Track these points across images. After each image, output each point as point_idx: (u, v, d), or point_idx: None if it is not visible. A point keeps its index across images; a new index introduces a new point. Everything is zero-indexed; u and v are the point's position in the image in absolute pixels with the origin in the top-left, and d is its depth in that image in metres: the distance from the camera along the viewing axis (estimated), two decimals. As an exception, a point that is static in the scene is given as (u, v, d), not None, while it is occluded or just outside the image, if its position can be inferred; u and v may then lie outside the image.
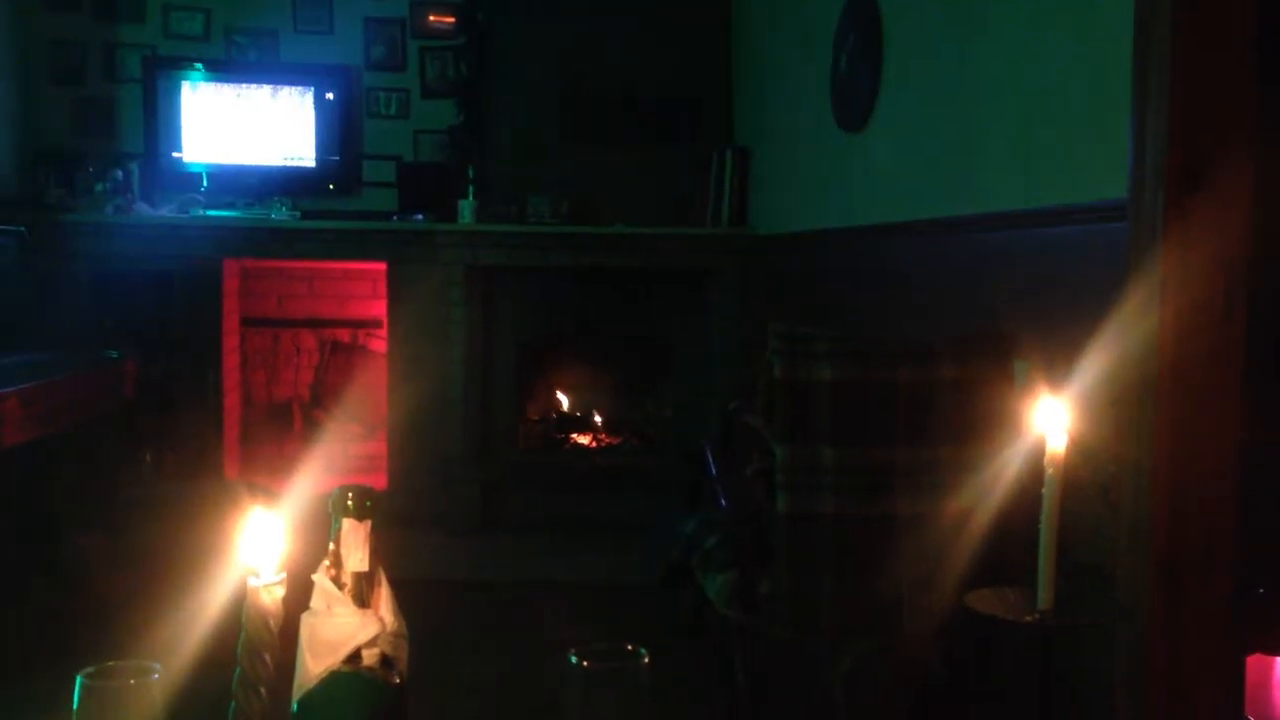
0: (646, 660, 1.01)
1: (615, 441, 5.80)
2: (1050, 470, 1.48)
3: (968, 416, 2.69)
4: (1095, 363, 2.23)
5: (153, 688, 0.94)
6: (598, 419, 5.89)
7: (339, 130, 5.61)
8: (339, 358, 6.06)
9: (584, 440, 5.80)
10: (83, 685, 0.92)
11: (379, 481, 5.26)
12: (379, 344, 5.91)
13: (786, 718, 2.97)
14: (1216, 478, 2.16)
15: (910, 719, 3.06)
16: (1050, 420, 1.49)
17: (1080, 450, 2.34)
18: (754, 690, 3.11)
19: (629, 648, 1.02)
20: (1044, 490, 1.49)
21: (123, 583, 3.61)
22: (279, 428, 6.02)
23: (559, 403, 5.95)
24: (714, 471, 3.71)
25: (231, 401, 5.66)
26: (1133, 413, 2.17)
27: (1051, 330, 2.62)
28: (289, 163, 5.59)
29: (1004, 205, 2.93)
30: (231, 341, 5.67)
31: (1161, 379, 2.11)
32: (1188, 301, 2.10)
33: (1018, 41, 2.89)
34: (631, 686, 0.99)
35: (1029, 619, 1.49)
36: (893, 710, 3.09)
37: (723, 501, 3.58)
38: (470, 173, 5.49)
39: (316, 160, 5.60)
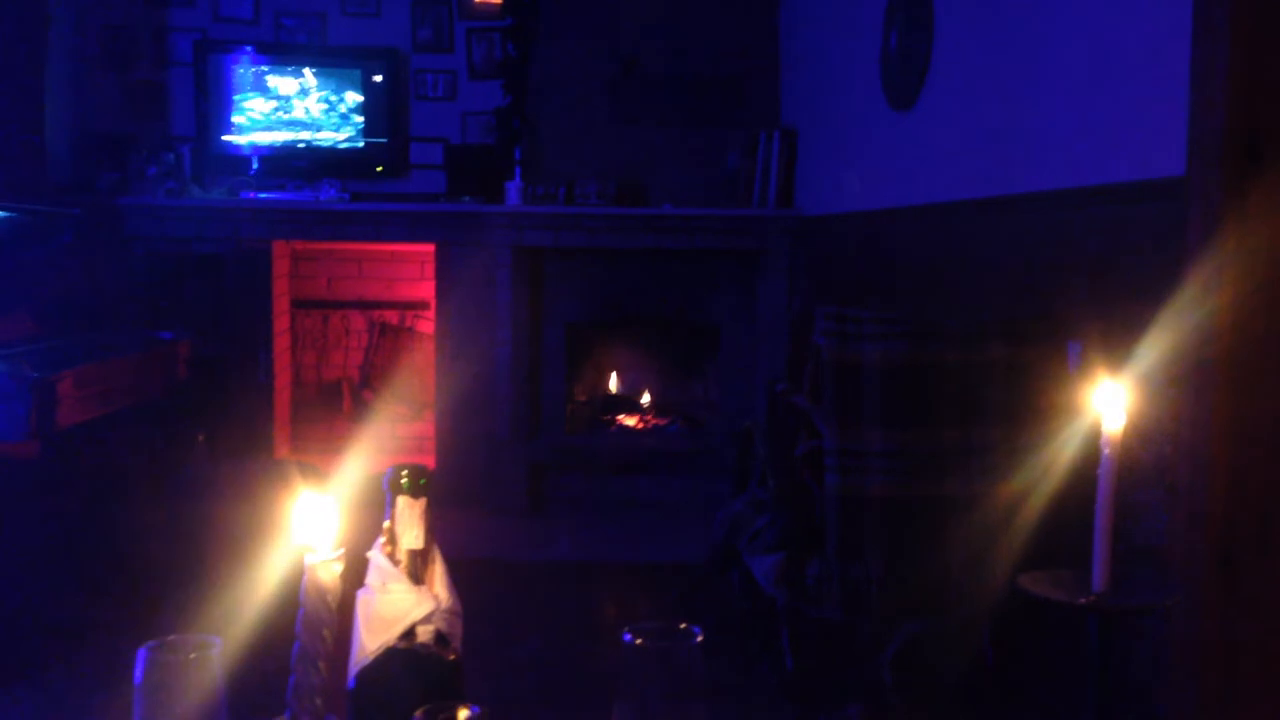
0: (700, 639, 1.01)
1: (662, 423, 5.80)
2: (1107, 451, 1.46)
3: (1019, 398, 2.67)
4: (1153, 344, 2.19)
5: (213, 660, 0.95)
6: (645, 400, 5.89)
7: (386, 112, 5.63)
8: (387, 339, 6.10)
9: (631, 422, 5.81)
10: (146, 658, 0.94)
11: (427, 462, 5.30)
12: (427, 325, 5.94)
13: (835, 699, 2.97)
14: (1275, 461, 2.13)
15: (959, 701, 3.05)
16: (1108, 401, 1.47)
17: (1137, 432, 2.31)
18: (802, 671, 3.11)
19: (682, 626, 1.02)
20: (1100, 471, 1.47)
21: (178, 560, 3.66)
22: (328, 408, 6.07)
23: (606, 384, 5.96)
24: (761, 453, 3.70)
25: (282, 382, 5.71)
26: (1191, 395, 2.14)
27: (1108, 311, 2.58)
28: (337, 145, 5.63)
29: (1057, 183, 2.89)
30: (282, 323, 5.72)
31: (1221, 361, 2.08)
32: (1248, 282, 2.07)
33: (1072, 15, 2.85)
34: (684, 665, 0.99)
35: (1084, 601, 1.47)
36: (941, 692, 3.08)
37: (770, 483, 3.57)
38: (517, 154, 5.50)
39: (364, 142, 5.63)
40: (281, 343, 5.70)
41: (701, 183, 5.60)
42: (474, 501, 5.26)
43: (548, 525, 5.23)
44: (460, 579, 1.14)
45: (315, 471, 4.45)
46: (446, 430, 5.48)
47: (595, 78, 5.60)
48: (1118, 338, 2.43)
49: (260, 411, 5.45)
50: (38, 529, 3.85)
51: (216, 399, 5.21)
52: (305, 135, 5.61)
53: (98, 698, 3.05)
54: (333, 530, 0.98)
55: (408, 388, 5.93)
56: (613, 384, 5.96)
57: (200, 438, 4.96)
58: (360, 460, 5.55)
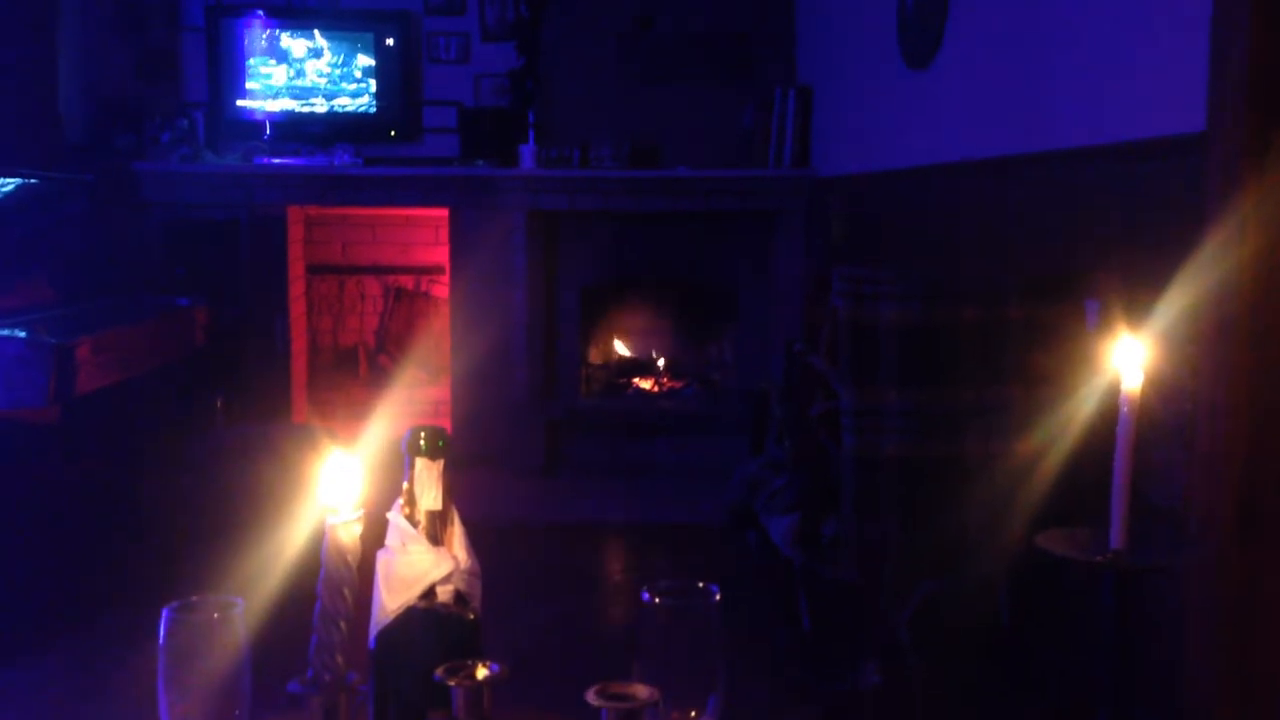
0: (718, 598, 1.01)
1: (678, 385, 5.80)
2: (1126, 409, 1.45)
3: (1037, 357, 2.66)
4: (1173, 301, 2.18)
5: (236, 621, 0.96)
6: (660, 363, 5.89)
7: (399, 76, 5.61)
8: (403, 304, 6.11)
9: (647, 384, 5.81)
10: (169, 618, 0.95)
11: (443, 426, 5.31)
12: (442, 290, 5.95)
13: (851, 658, 2.98)
14: (1295, 418, 2.12)
15: (975, 660, 3.06)
16: (1126, 359, 1.47)
17: (1156, 390, 2.30)
18: (819, 631, 3.13)
19: (701, 585, 1.02)
20: (1118, 429, 1.46)
21: (197, 523, 3.69)
22: (345, 373, 6.09)
23: (622, 347, 5.96)
24: (778, 414, 3.70)
25: (298, 347, 5.73)
26: (1211, 352, 2.13)
27: (1127, 269, 2.56)
28: (350, 109, 5.61)
29: (1076, 141, 2.87)
30: (297, 288, 5.73)
31: (1241, 317, 2.06)
32: (1269, 237, 2.05)
33: (1091, -28, 2.81)
34: (704, 623, 1.00)
35: (1101, 559, 1.47)
36: (958, 651, 3.09)
37: (787, 444, 3.58)
38: (531, 117, 5.47)
39: (377, 106, 5.61)
40: (297, 308, 5.71)
41: (716, 144, 5.57)
42: (491, 465, 5.28)
43: (564, 488, 5.25)
44: (478, 541, 1.15)
45: (330, 435, 4.47)
46: (463, 394, 5.49)
47: (609, 38, 5.56)
48: (1137, 295, 2.41)
49: (277, 377, 5.48)
50: (58, 494, 3.89)
51: (233, 364, 5.23)
52: (318, 100, 5.59)
53: (122, 660, 3.09)
54: (356, 490, 0.99)
55: (423, 352, 5.94)
56: (628, 347, 5.96)
57: (218, 403, 4.99)
58: (377, 425, 5.57)
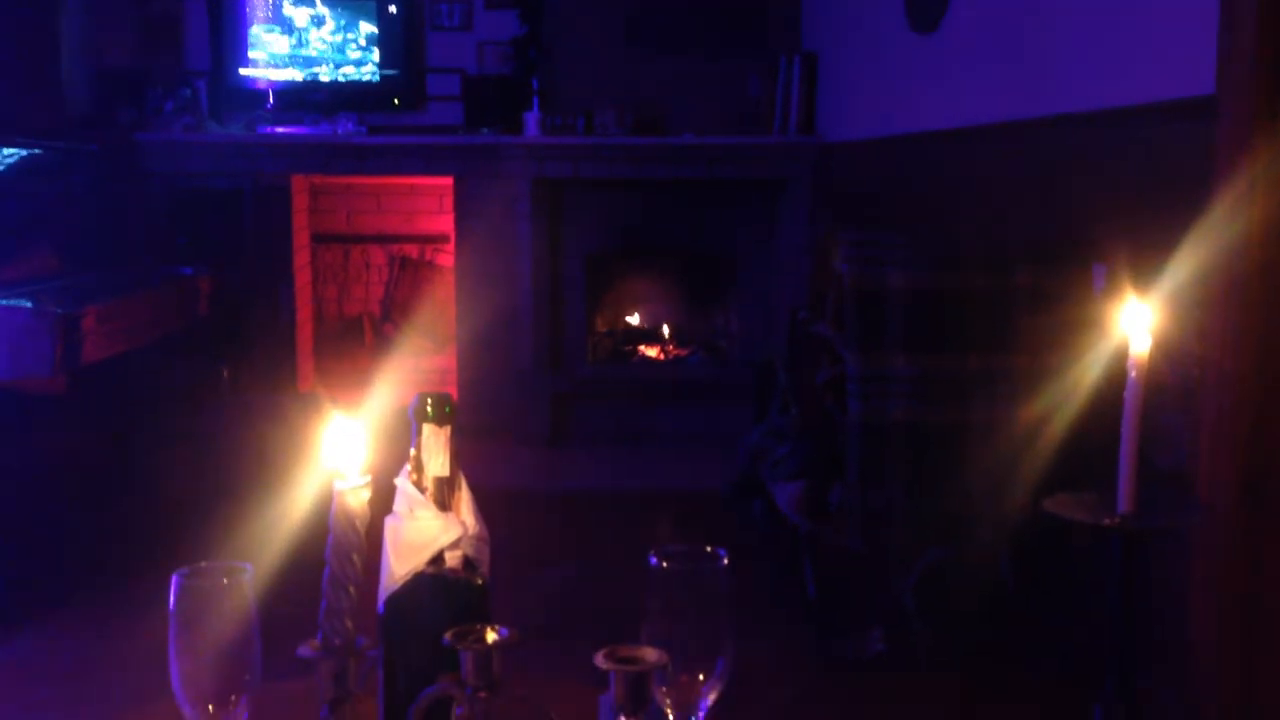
0: (725, 562, 1.02)
1: (683, 353, 5.80)
2: (1133, 373, 1.45)
3: (1043, 323, 2.65)
4: (1180, 265, 2.17)
5: (245, 586, 0.96)
6: (666, 331, 5.89)
7: (402, 44, 5.58)
8: (408, 273, 6.10)
9: (652, 352, 5.81)
10: (178, 584, 0.95)
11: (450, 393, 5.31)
12: (447, 259, 5.94)
13: (856, 624, 2.99)
14: (1303, 382, 2.11)
15: (980, 626, 3.07)
16: (1134, 321, 1.46)
17: (1163, 355, 2.30)
18: (824, 598, 3.14)
19: (708, 549, 1.02)
20: (1125, 393, 1.46)
21: (205, 491, 3.70)
22: (350, 342, 6.09)
23: (627, 315, 5.96)
24: (783, 381, 3.70)
25: (303, 317, 5.73)
26: (1219, 316, 2.12)
27: (1134, 233, 2.55)
28: (354, 78, 5.58)
29: (1083, 105, 2.85)
30: (302, 258, 5.72)
31: (1250, 281, 2.05)
32: (1278, 201, 2.04)
33: (1099, -67, 2.78)
34: (712, 588, 1.00)
35: (1108, 522, 1.47)
36: (962, 617, 3.10)
37: (792, 411, 3.58)
38: (535, 84, 5.44)
39: (380, 75, 5.58)
40: (302, 277, 5.71)
41: (721, 111, 5.54)
42: (497, 433, 5.28)
43: (570, 455, 5.26)
44: (484, 509, 1.15)
45: (335, 402, 4.48)
46: (468, 363, 5.50)
47: (613, 4, 5.52)
48: (1144, 260, 2.40)
49: (282, 346, 5.48)
50: (65, 463, 3.90)
51: (238, 334, 5.23)
52: (321, 68, 5.56)
53: (132, 627, 3.10)
54: (362, 455, 0.99)
55: (429, 321, 5.94)
56: (634, 315, 5.95)
57: (223, 372, 4.99)
58: (383, 393, 5.58)
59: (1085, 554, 2.75)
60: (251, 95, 5.53)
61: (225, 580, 0.96)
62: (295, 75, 5.54)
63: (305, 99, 5.54)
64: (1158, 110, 2.48)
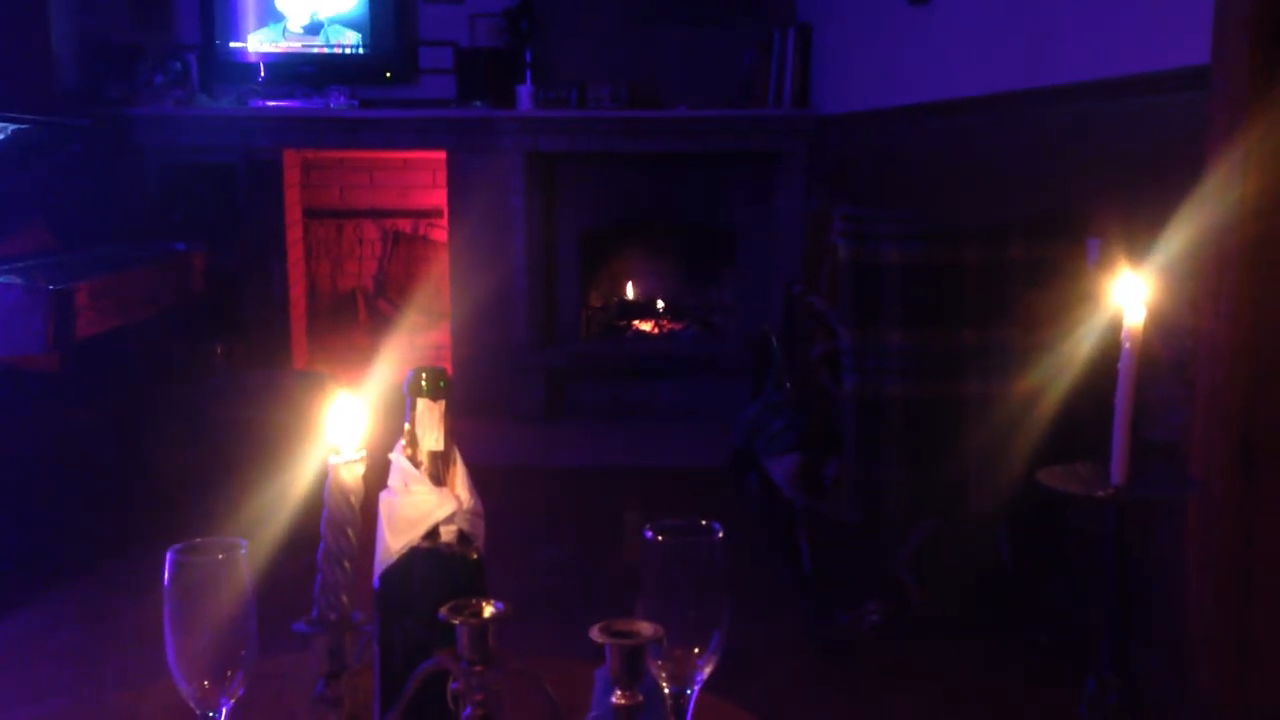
0: (721, 535, 1.02)
1: (679, 328, 5.79)
2: (1128, 345, 1.45)
3: (1038, 297, 2.65)
4: (1174, 237, 2.17)
5: (241, 562, 0.96)
6: (661, 306, 5.88)
7: (393, 16, 5.54)
8: (401, 248, 6.09)
9: (647, 327, 5.80)
10: (173, 561, 0.95)
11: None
12: (440, 234, 5.92)
13: (853, 598, 3.00)
14: (1297, 354, 2.11)
15: (976, 599, 3.08)
16: (1128, 293, 1.46)
17: (1157, 327, 2.30)
18: (820, 571, 3.15)
19: (703, 523, 1.02)
20: (1120, 365, 1.46)
21: (200, 467, 3.70)
22: (344, 318, 6.08)
23: (622, 290, 5.95)
24: (778, 356, 3.70)
25: (297, 292, 5.71)
26: (1212, 287, 2.12)
27: (1129, 205, 2.55)
28: (345, 51, 5.55)
29: (1078, 76, 2.84)
30: (295, 233, 5.70)
31: (1243, 252, 2.05)
32: (1274, 172, 2.03)
33: (1095, -97, 2.77)
34: (707, 561, 1.00)
35: (1103, 494, 1.47)
36: (958, 590, 3.11)
37: (788, 385, 3.58)
38: (528, 57, 5.41)
39: (372, 48, 5.55)
40: (295, 253, 5.69)
41: (716, 83, 5.51)
42: (492, 409, 5.28)
43: (565, 431, 5.26)
44: (480, 485, 1.14)
45: (331, 380, 4.47)
46: (463, 338, 5.49)
47: (606, -24, 5.49)
48: (1139, 232, 2.40)
49: (276, 322, 5.47)
50: (59, 440, 3.90)
51: (232, 310, 5.22)
52: (313, 41, 5.53)
53: (128, 604, 3.11)
54: (359, 431, 0.99)
55: (423, 297, 5.93)
56: (628, 289, 5.94)
57: (217, 349, 4.99)
58: (378, 369, 5.57)
59: (1080, 526, 2.76)
60: (243, 69, 5.49)
61: (220, 556, 0.96)
62: (286, 48, 5.51)
63: (297, 72, 5.51)
64: (1153, 81, 2.47)
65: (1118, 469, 1.48)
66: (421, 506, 1.09)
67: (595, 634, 0.92)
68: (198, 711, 0.97)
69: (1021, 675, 2.76)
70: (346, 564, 0.98)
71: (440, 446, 1.11)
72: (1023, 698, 2.66)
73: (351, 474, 0.98)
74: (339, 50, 5.54)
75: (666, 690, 1.00)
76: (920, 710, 2.64)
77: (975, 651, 2.90)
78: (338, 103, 5.39)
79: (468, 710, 0.92)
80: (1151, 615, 2.44)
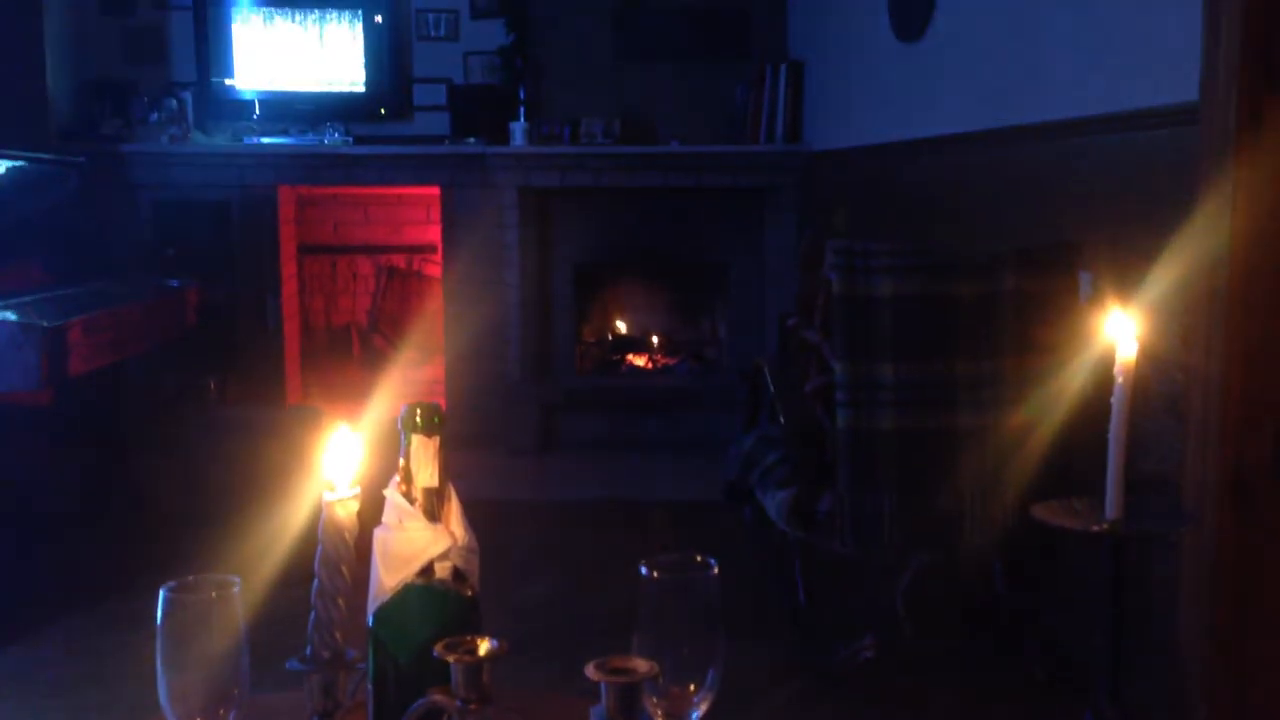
0: (716, 571, 1.02)
1: (671, 362, 5.80)
2: (1120, 380, 1.46)
3: (1030, 329, 2.66)
4: (1164, 272, 2.18)
5: (234, 600, 0.96)
6: (654, 340, 5.89)
7: (388, 53, 5.58)
8: (395, 283, 6.09)
9: (640, 361, 5.81)
10: (166, 598, 0.94)
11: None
12: (434, 269, 5.93)
13: (848, 631, 2.99)
14: (1288, 387, 2.12)
15: (971, 631, 3.07)
16: (1120, 329, 1.47)
17: (1149, 361, 2.31)
18: (815, 604, 3.14)
19: (698, 559, 1.02)
20: (1113, 399, 1.46)
21: (193, 504, 3.69)
22: (338, 353, 6.08)
23: (615, 325, 5.96)
24: (772, 389, 3.70)
25: (291, 328, 5.71)
26: (1202, 322, 2.13)
27: (1118, 239, 2.57)
28: (340, 88, 5.58)
29: (1068, 113, 2.86)
30: (289, 269, 5.71)
31: (1233, 287, 2.06)
32: (1261, 208, 2.05)
33: (1083, -58, 2.80)
34: (703, 597, 1.00)
35: (1097, 528, 1.47)
36: (953, 622, 3.10)
37: (781, 419, 3.58)
38: (521, 94, 5.44)
39: (367, 84, 5.58)
40: (289, 288, 5.69)
41: (708, 120, 5.55)
42: (485, 443, 5.28)
43: (559, 465, 5.25)
44: (474, 519, 1.14)
45: (323, 416, 4.46)
46: (457, 373, 5.49)
47: (599, 13, 5.53)
48: (1130, 266, 2.41)
49: (270, 358, 5.47)
50: (52, 476, 3.88)
51: (226, 346, 5.22)
52: (307, 78, 5.56)
53: (120, 641, 3.09)
54: (351, 469, 0.99)
55: (417, 332, 5.93)
56: (622, 324, 5.95)
57: (211, 385, 4.98)
58: (372, 404, 5.57)
59: (1074, 558, 2.76)
60: (237, 106, 5.52)
61: (213, 594, 0.95)
62: (281, 85, 5.54)
63: (291, 109, 5.53)
64: (1142, 117, 2.49)
65: (1112, 503, 1.49)
66: (416, 543, 1.09)
67: (591, 671, 0.92)
68: (190, 750, 0.97)
69: (1017, 709, 2.75)
70: (340, 601, 0.98)
71: (435, 482, 1.11)
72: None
73: (346, 510, 0.98)
74: (334, 87, 5.57)
75: (662, 727, 1.00)
76: (916, 746, 2.63)
77: (970, 684, 2.89)
78: (332, 139, 5.41)
79: (462, 748, 0.92)
80: (1146, 648, 2.43)
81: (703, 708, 0.99)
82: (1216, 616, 2.22)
